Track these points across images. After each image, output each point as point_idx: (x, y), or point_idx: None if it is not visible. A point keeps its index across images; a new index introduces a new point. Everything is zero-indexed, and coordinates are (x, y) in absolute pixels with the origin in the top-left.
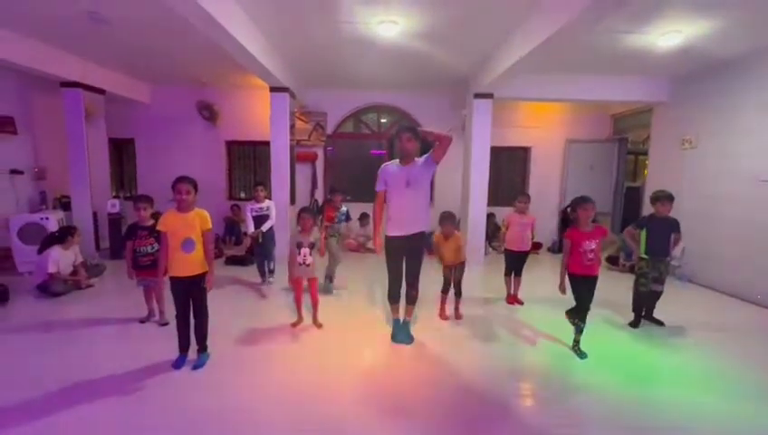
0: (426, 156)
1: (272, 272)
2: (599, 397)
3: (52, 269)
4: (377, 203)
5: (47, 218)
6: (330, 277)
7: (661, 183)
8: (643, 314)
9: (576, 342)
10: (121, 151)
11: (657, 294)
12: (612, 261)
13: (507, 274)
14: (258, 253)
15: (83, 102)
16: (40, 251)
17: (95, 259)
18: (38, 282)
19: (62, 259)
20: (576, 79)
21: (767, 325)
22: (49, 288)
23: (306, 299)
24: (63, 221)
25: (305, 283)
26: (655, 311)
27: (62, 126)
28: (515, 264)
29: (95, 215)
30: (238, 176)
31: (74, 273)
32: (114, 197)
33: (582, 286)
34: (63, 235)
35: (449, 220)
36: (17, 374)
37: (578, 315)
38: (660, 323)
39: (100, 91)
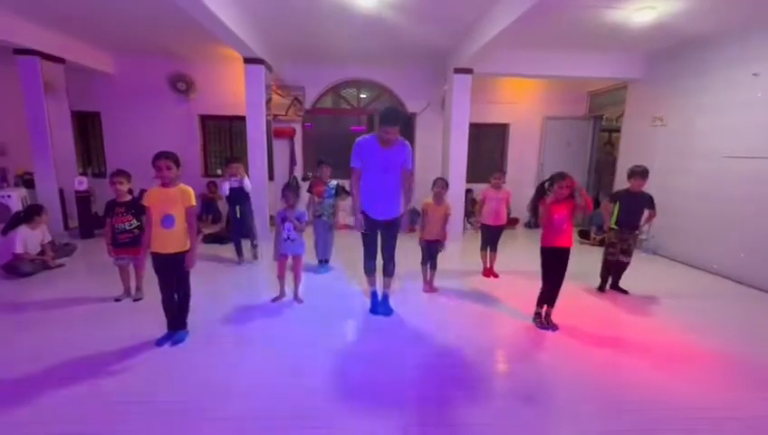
0: (408, 149)
1: (255, 247)
2: (566, 362)
3: (19, 249)
4: (354, 179)
5: (9, 196)
6: (321, 260)
7: (633, 160)
8: (609, 283)
9: (543, 314)
10: (87, 125)
11: (624, 265)
12: (584, 235)
13: (483, 248)
14: (236, 230)
15: (41, 72)
16: (5, 231)
17: (64, 238)
18: (3, 262)
19: (29, 239)
20: (554, 55)
21: (722, 293)
22: (17, 268)
23: (289, 274)
24: (27, 199)
25: (290, 259)
26: (621, 281)
27: (20, 98)
28: (491, 238)
29: (62, 192)
30: (214, 152)
31: (41, 253)
32: (82, 174)
33: (554, 259)
34: (30, 214)
35: (442, 182)
36: None
37: (544, 296)
38: (625, 292)
39: (60, 61)
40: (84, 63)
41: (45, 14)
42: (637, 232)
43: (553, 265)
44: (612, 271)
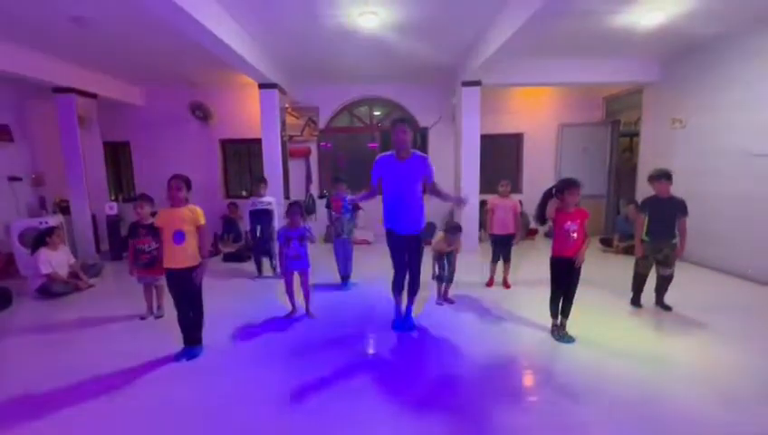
0: (428, 161)
1: (275, 268)
2: (587, 376)
3: (45, 270)
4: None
5: (46, 223)
6: (343, 277)
7: (653, 163)
8: (655, 300)
9: (558, 326)
10: (117, 154)
11: (666, 279)
12: (606, 242)
13: (494, 260)
14: (257, 248)
15: (76, 107)
16: (32, 252)
17: (94, 260)
18: (37, 285)
19: (53, 260)
20: (564, 62)
21: (760, 303)
22: (49, 289)
23: (300, 291)
24: (63, 225)
25: (296, 275)
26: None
27: (57, 132)
28: (501, 248)
29: (94, 217)
30: (234, 174)
31: (74, 275)
32: (113, 199)
33: (564, 269)
34: (42, 237)
35: (456, 233)
36: (21, 374)
37: (556, 307)
38: (668, 309)
39: (93, 96)
40: (114, 97)
41: (81, 54)
42: (674, 241)
43: (563, 276)
44: (656, 286)
